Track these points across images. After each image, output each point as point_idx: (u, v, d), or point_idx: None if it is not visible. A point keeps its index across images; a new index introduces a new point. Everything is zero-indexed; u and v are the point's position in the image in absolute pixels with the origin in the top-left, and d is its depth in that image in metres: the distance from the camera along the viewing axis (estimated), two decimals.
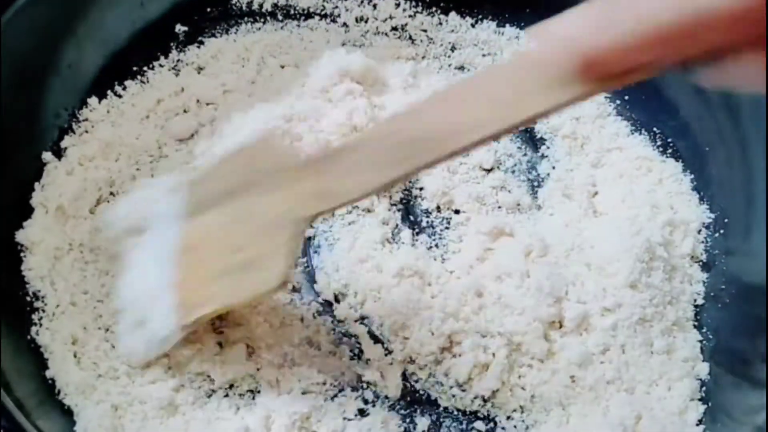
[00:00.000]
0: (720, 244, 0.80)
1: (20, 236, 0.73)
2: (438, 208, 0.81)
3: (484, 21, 0.94)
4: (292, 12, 0.92)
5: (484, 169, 0.84)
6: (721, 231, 0.80)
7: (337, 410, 0.70)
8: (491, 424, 0.72)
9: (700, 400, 0.73)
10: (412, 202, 0.82)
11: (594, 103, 0.88)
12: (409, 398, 0.73)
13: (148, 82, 0.86)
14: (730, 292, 0.77)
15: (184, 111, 0.85)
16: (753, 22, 0.43)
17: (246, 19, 0.91)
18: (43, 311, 0.71)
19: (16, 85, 0.74)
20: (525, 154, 0.86)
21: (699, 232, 0.81)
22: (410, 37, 0.93)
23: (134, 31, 0.85)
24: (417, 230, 0.80)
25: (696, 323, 0.77)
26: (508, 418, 0.72)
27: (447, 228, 0.80)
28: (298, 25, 0.92)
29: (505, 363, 0.71)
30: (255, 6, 0.91)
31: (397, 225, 0.80)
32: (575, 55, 0.50)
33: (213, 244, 0.66)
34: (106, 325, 0.72)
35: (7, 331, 0.67)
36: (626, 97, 0.89)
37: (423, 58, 0.92)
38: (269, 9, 0.92)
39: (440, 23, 0.94)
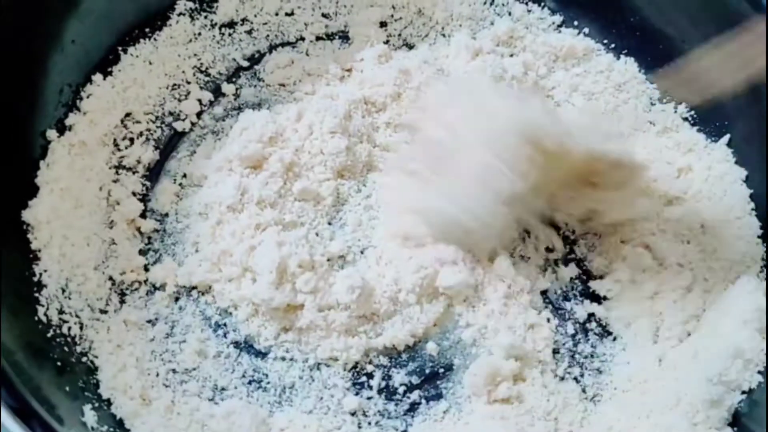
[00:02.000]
0: None
1: (26, 215, 0.71)
2: None
3: None
4: None
5: None
6: None
7: None
8: None
9: None
10: None
11: None
12: None
13: (153, 58, 0.84)
14: None
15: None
16: None
17: None
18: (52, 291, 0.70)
19: (19, 61, 0.73)
20: None
21: None
22: None
23: (139, 7, 0.84)
24: None
25: None
26: None
27: None
28: None
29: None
30: None
31: None
32: None
33: None
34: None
35: (15, 312, 0.65)
36: None
37: None
38: None
39: None
